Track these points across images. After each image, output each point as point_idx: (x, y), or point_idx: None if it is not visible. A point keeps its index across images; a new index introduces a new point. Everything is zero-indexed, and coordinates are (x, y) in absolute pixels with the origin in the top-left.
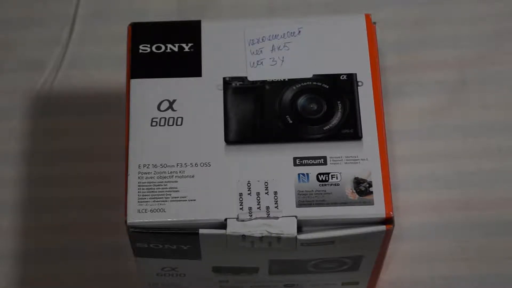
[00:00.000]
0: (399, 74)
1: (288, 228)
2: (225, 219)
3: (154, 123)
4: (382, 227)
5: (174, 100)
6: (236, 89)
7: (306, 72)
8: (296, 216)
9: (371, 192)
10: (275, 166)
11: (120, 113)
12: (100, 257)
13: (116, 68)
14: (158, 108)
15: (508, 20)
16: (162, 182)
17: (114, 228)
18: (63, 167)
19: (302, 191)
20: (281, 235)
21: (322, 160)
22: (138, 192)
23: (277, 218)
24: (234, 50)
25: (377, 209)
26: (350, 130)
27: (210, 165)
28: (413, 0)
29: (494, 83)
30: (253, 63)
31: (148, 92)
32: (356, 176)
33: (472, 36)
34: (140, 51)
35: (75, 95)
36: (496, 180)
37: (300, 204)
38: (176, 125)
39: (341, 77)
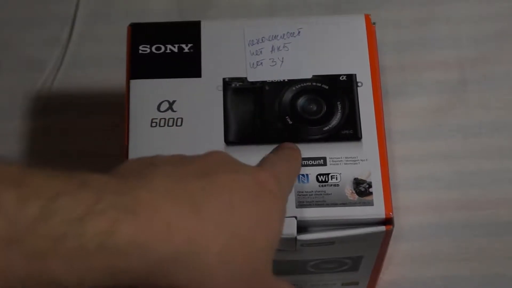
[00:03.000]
0: (399, 74)
1: (288, 229)
2: None
3: (154, 124)
4: (382, 228)
5: (174, 101)
6: (236, 90)
7: (305, 72)
8: (296, 217)
9: (371, 193)
10: None
11: (120, 113)
12: None
13: (116, 68)
14: (158, 109)
15: (508, 20)
16: None
17: None
18: (63, 167)
19: (302, 192)
20: (281, 236)
21: (321, 160)
22: None
23: None
24: (234, 50)
25: (376, 210)
26: (349, 131)
27: None
28: (413, 0)
29: (494, 83)
30: (253, 63)
31: (148, 92)
32: (355, 177)
33: (472, 36)
34: (140, 51)
35: (75, 95)
36: (496, 180)
37: (299, 204)
38: (176, 125)
39: (340, 78)
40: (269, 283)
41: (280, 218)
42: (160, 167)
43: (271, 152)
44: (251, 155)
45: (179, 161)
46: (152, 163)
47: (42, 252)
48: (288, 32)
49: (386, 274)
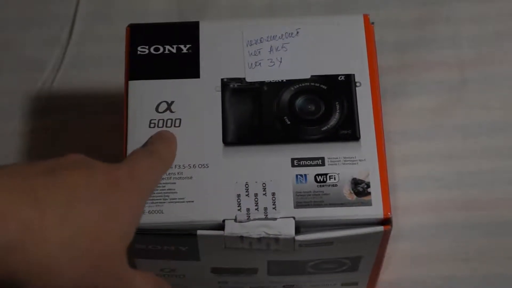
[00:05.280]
0: (399, 74)
1: (286, 229)
2: (223, 220)
3: (152, 125)
4: (380, 228)
5: (172, 102)
6: (234, 90)
7: (304, 73)
8: (294, 217)
9: (369, 193)
10: (273, 167)
11: (120, 113)
12: None
13: (116, 68)
14: (156, 110)
15: (508, 20)
16: (160, 183)
17: None
18: None
19: (300, 192)
20: (279, 236)
21: (320, 161)
22: None
23: (275, 219)
24: (232, 51)
25: (375, 210)
26: (348, 131)
27: (208, 166)
28: (413, 0)
29: (494, 83)
30: (251, 64)
31: (146, 93)
32: (354, 177)
33: (472, 36)
34: (138, 52)
35: (75, 95)
36: (496, 180)
37: (298, 205)
38: (174, 126)
39: (339, 78)
40: (120, 273)
41: (131, 213)
42: (7, 166)
43: (142, 146)
44: (250, 156)
45: (31, 162)
46: (2, 166)
47: None
48: (286, 32)
49: (386, 274)
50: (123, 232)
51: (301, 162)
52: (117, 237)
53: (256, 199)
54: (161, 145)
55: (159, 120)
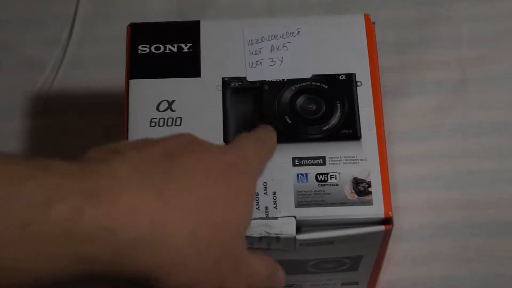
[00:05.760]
0: (399, 74)
1: (287, 228)
2: None
3: (153, 124)
4: (381, 227)
5: (173, 101)
6: (235, 90)
7: (305, 72)
8: (295, 216)
9: (370, 192)
10: (274, 167)
11: (120, 113)
12: None
13: (116, 68)
14: (157, 109)
15: (508, 20)
16: None
17: None
18: None
19: (301, 191)
20: (280, 235)
21: (321, 160)
22: None
23: (276, 218)
24: (233, 50)
25: (376, 209)
26: (349, 130)
27: None
28: (413, 0)
29: (494, 83)
30: (252, 63)
31: (147, 92)
32: (355, 176)
33: (472, 36)
34: (139, 51)
35: (75, 95)
36: (496, 180)
37: (299, 204)
38: (175, 125)
39: (340, 77)
40: (240, 261)
41: (250, 196)
42: (123, 153)
43: (243, 132)
44: None
45: (143, 145)
46: (116, 150)
47: (5, 239)
48: (287, 31)
49: (386, 274)
50: (244, 217)
51: (302, 161)
52: (239, 223)
53: (257, 198)
54: (263, 132)
55: (160, 119)
